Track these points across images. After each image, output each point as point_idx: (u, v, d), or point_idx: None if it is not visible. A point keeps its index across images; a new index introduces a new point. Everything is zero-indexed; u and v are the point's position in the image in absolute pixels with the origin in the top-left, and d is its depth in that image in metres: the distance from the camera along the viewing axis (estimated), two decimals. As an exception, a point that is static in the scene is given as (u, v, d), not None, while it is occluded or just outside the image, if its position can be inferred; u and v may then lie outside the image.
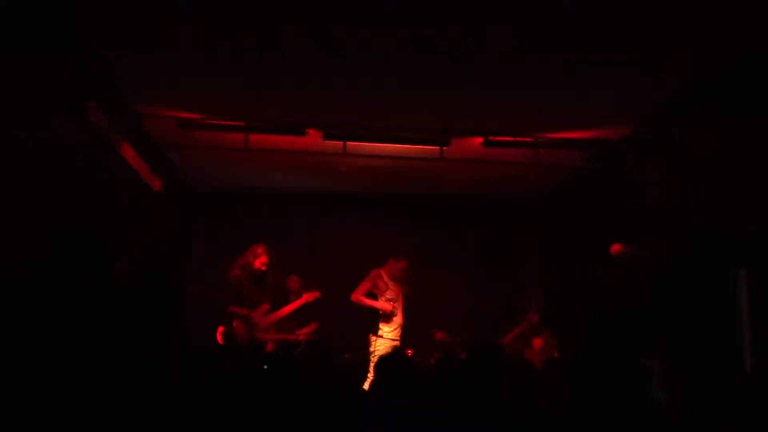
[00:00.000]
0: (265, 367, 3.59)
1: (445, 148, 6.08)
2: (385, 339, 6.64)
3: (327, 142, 6.03)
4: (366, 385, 6.04)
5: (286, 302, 6.85)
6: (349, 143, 6.06)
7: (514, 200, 8.24)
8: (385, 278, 6.76)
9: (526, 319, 7.16)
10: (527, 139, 5.98)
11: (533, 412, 3.36)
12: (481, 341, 3.95)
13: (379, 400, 3.21)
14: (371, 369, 6.12)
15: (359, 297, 6.67)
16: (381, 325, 6.67)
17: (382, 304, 6.66)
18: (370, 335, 6.67)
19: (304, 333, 6.80)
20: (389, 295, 6.73)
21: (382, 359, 3.62)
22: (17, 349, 3.48)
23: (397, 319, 6.75)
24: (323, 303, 6.93)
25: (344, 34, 4.13)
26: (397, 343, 6.68)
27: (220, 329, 6.47)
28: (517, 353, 6.54)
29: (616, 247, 5.62)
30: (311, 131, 5.90)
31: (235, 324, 6.41)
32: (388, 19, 3.89)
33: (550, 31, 3.99)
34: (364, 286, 6.70)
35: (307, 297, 6.84)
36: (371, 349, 6.61)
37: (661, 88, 4.81)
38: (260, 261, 6.60)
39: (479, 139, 6.00)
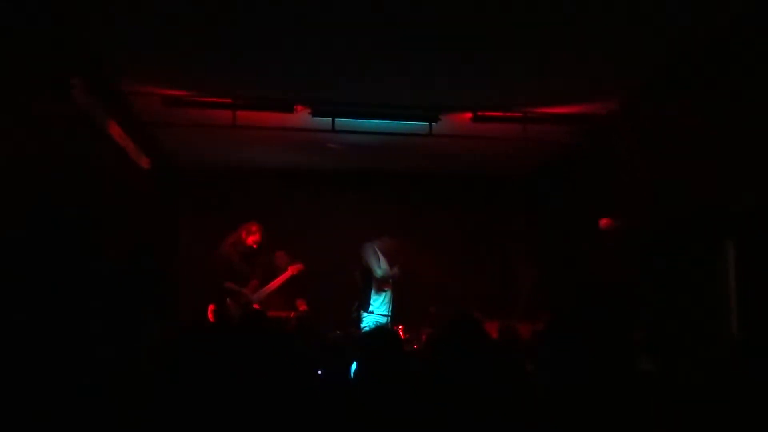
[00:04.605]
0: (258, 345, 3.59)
1: (434, 124, 6.07)
2: (375, 315, 6.69)
3: (315, 118, 5.99)
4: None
5: (274, 278, 6.87)
6: (337, 120, 6.02)
7: (503, 176, 8.27)
8: (378, 253, 6.81)
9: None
10: (516, 114, 5.98)
11: (517, 386, 3.37)
12: (457, 314, 3.94)
13: (363, 375, 3.19)
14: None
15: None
16: (371, 301, 6.73)
17: (394, 271, 6.82)
18: (361, 311, 6.72)
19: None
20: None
21: (366, 334, 3.63)
22: (2, 330, 3.47)
23: (387, 295, 6.81)
24: (312, 280, 6.97)
25: (332, 8, 4.09)
26: (387, 318, 6.73)
27: (211, 307, 6.48)
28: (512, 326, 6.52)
29: (604, 221, 5.65)
30: (299, 108, 5.85)
31: (228, 301, 6.42)
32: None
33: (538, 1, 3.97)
34: (373, 260, 6.80)
35: (292, 269, 6.86)
36: (362, 325, 6.66)
37: (648, 61, 4.82)
38: (253, 239, 6.61)
39: (468, 115, 5.99)
